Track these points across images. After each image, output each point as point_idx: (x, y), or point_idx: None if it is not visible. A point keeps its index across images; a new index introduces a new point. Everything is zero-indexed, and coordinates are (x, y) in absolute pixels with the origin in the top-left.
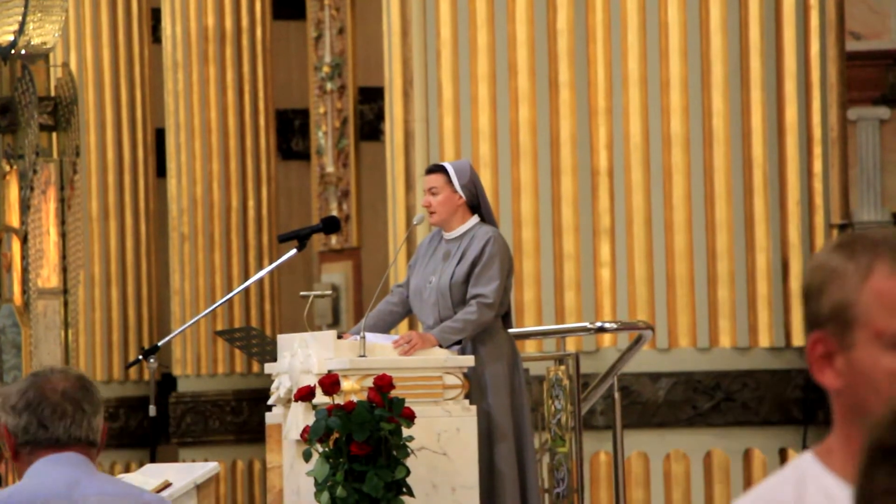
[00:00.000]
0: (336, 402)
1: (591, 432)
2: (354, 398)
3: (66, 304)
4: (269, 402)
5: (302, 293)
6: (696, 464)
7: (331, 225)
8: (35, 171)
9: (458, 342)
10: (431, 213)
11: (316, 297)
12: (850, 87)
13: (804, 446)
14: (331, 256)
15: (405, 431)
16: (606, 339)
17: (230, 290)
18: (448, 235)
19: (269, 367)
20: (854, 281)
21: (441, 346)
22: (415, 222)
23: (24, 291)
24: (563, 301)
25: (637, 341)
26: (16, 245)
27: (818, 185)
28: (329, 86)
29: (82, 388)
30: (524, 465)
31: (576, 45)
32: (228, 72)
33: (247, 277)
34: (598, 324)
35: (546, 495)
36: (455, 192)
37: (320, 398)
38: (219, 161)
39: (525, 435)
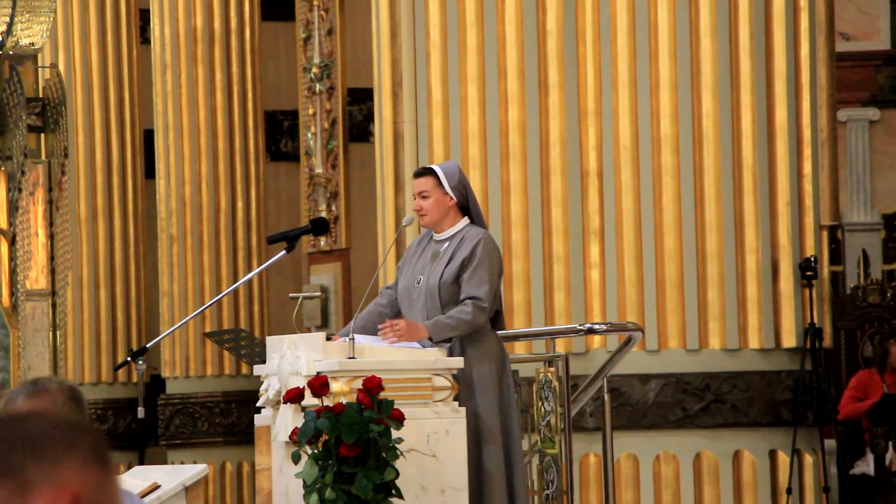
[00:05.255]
0: (325, 403)
1: (580, 434)
2: (343, 400)
3: (54, 305)
4: (258, 403)
5: (291, 295)
6: (685, 465)
7: (320, 226)
8: (23, 173)
9: (448, 340)
10: (423, 215)
11: (305, 298)
12: (839, 89)
13: (794, 448)
14: (320, 258)
15: (394, 433)
16: (596, 340)
17: (219, 292)
18: (438, 236)
19: (257, 369)
20: None
21: (431, 340)
22: (404, 224)
23: (13, 293)
24: (552, 302)
25: (627, 343)
26: (4, 246)
27: (808, 187)
28: (318, 87)
29: None
30: (512, 466)
31: (565, 46)
32: (217, 73)
33: (236, 279)
34: (588, 325)
35: (535, 497)
36: (446, 194)
37: (309, 400)
38: (208, 162)
39: (513, 436)
